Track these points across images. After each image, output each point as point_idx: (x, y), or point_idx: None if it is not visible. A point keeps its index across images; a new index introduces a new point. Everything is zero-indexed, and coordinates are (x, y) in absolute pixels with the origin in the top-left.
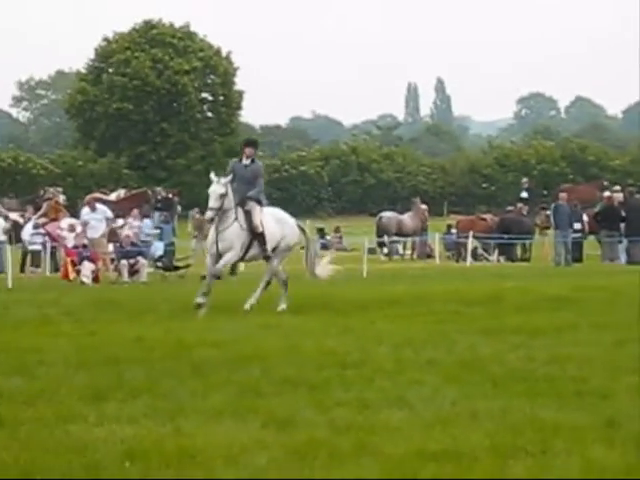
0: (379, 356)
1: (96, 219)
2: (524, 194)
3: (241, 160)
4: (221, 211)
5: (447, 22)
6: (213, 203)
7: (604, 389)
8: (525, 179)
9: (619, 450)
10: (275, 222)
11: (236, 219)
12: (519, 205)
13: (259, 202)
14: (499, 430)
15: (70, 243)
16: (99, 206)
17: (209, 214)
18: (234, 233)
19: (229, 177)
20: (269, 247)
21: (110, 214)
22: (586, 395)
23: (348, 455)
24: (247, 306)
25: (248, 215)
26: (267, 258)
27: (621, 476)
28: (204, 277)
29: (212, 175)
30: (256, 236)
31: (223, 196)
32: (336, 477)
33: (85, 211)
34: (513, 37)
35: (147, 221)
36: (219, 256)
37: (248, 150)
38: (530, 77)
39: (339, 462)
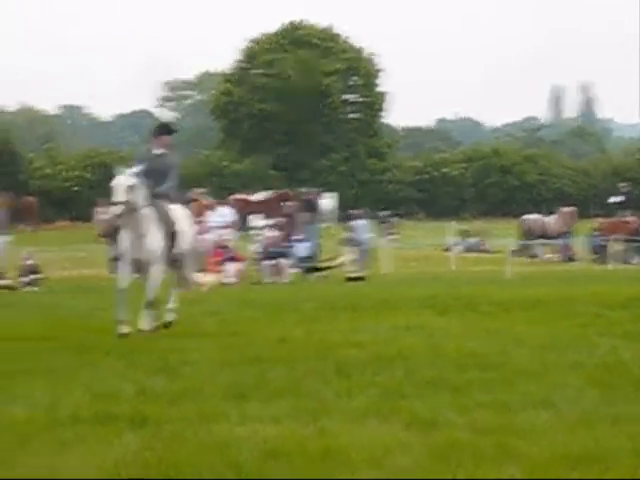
0: (520, 358)
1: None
2: (618, 198)
3: (151, 150)
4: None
5: (590, 25)
6: (121, 196)
7: None
8: (624, 183)
9: None
10: (188, 221)
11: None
12: None
13: (169, 198)
14: None
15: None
16: (220, 209)
17: (116, 209)
18: (159, 239)
19: (137, 168)
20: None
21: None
22: None
23: (490, 457)
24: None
25: (161, 212)
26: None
27: None
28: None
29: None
30: (171, 236)
31: (132, 188)
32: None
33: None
34: None
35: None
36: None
37: (163, 138)
38: None
39: (481, 464)
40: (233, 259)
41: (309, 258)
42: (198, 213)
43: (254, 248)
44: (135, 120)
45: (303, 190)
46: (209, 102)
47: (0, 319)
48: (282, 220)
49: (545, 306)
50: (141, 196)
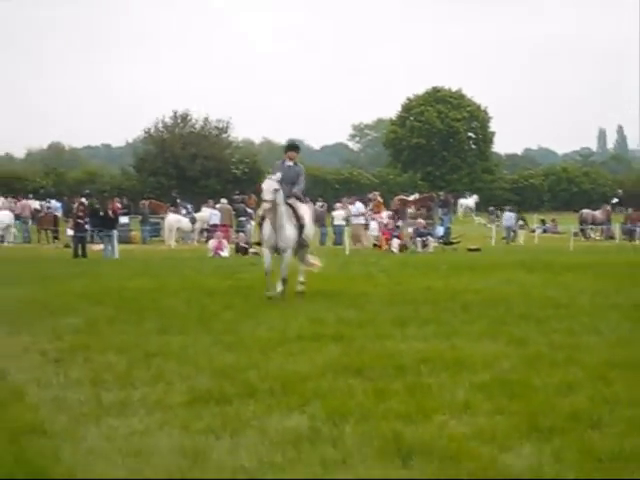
0: (580, 301)
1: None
2: (614, 200)
3: (284, 161)
4: (276, 205)
5: (624, 81)
6: (269, 195)
7: None
8: (619, 190)
9: None
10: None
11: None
12: None
13: (300, 199)
14: None
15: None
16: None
17: (265, 205)
18: (292, 230)
19: (275, 176)
20: (307, 239)
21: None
22: None
23: (562, 364)
24: (279, 289)
25: (293, 209)
26: (301, 247)
27: None
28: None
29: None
30: (299, 227)
31: (277, 190)
32: (552, 379)
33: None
34: None
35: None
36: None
37: (290, 154)
38: None
39: (555, 368)
40: (397, 237)
41: (445, 236)
42: (377, 208)
43: (410, 230)
44: (336, 149)
45: (441, 193)
46: (382, 138)
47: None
48: (425, 212)
49: (595, 268)
50: (281, 196)
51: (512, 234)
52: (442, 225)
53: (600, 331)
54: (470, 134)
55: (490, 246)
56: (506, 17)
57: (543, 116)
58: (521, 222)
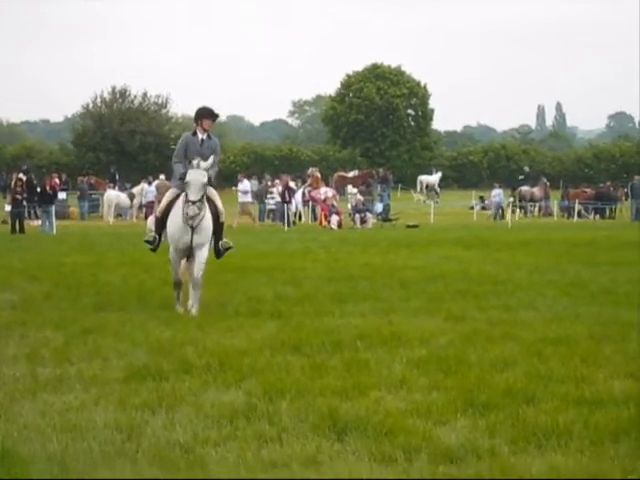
0: (518, 277)
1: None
2: (520, 177)
3: (195, 134)
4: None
5: (562, 61)
6: (196, 195)
7: None
8: (526, 167)
9: None
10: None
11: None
12: (607, 183)
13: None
14: (594, 325)
15: (322, 202)
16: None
17: (193, 210)
18: (209, 223)
19: (210, 161)
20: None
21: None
22: None
23: (499, 340)
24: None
25: (210, 202)
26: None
27: None
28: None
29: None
30: (218, 225)
31: (205, 186)
32: (489, 355)
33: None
34: (604, 74)
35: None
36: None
37: (205, 122)
38: (617, 99)
39: (493, 344)
40: (337, 213)
41: (383, 213)
42: (316, 184)
43: (349, 206)
44: (275, 125)
45: (380, 170)
46: (321, 114)
47: None
48: (364, 188)
49: (533, 244)
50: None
51: (500, 211)
52: (381, 202)
53: (537, 307)
54: (409, 111)
55: (429, 223)
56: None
57: (482, 93)
58: (511, 199)
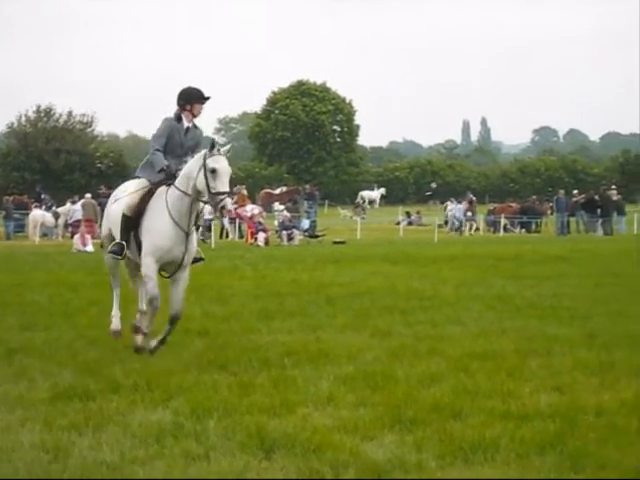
0: (444, 292)
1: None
2: (428, 192)
3: (180, 119)
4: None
5: (487, 75)
6: (227, 186)
7: (587, 314)
8: (433, 184)
9: (596, 352)
10: None
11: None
12: (533, 197)
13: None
14: (520, 339)
15: (250, 220)
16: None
17: (227, 203)
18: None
19: (227, 147)
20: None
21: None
22: (575, 318)
23: (425, 355)
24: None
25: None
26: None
27: (597, 367)
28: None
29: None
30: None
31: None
32: (415, 370)
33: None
34: (529, 89)
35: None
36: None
37: (196, 107)
38: (541, 114)
39: (419, 359)
40: (263, 230)
41: (310, 229)
42: (242, 201)
43: (276, 223)
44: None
45: (306, 186)
46: (247, 131)
47: None
48: (291, 205)
49: (460, 259)
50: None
51: (460, 225)
52: (308, 218)
53: (463, 322)
54: (335, 127)
55: (356, 239)
56: (371, 12)
57: (408, 109)
58: (469, 213)
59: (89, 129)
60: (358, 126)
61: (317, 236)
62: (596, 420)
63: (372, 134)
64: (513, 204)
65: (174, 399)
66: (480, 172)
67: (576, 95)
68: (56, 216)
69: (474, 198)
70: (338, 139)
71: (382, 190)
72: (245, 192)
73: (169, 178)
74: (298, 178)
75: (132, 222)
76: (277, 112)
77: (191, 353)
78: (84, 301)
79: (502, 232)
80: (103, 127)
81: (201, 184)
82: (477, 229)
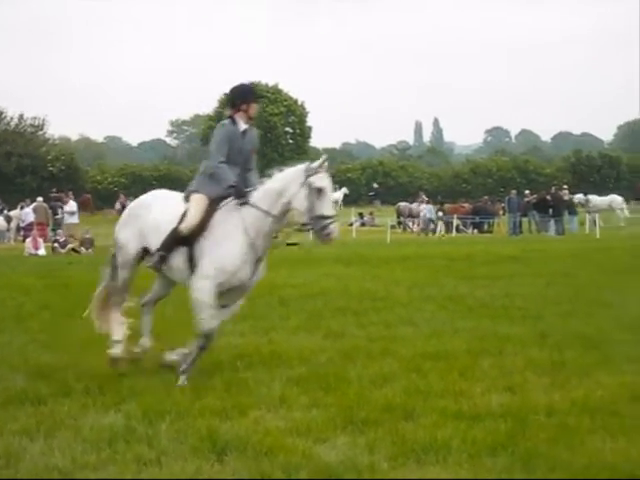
0: (396, 293)
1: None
2: (371, 193)
3: (235, 122)
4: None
5: (439, 77)
6: (334, 209)
7: (538, 314)
8: (375, 184)
9: (547, 352)
10: None
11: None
12: (485, 197)
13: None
14: (472, 339)
15: None
16: None
17: (336, 230)
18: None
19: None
20: None
21: None
22: (527, 317)
23: (378, 356)
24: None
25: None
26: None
27: (548, 367)
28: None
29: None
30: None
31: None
32: (368, 371)
33: None
34: (481, 89)
35: None
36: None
37: (254, 107)
38: (493, 115)
39: (372, 360)
40: None
41: None
42: None
43: None
44: (154, 145)
45: None
46: (199, 133)
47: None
48: None
49: (411, 260)
50: None
51: (432, 226)
52: None
53: (415, 323)
54: (287, 129)
55: (309, 240)
56: (322, 13)
57: (361, 110)
58: (440, 213)
59: (40, 132)
60: (310, 127)
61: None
62: (547, 420)
63: (325, 136)
64: (465, 204)
65: (126, 402)
66: (432, 173)
67: (527, 95)
68: (8, 219)
69: (426, 199)
70: (290, 141)
71: (344, 190)
72: None
73: (240, 196)
74: None
75: (176, 239)
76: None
77: (144, 356)
78: (36, 305)
79: (454, 233)
80: (54, 130)
81: (301, 204)
82: (432, 230)
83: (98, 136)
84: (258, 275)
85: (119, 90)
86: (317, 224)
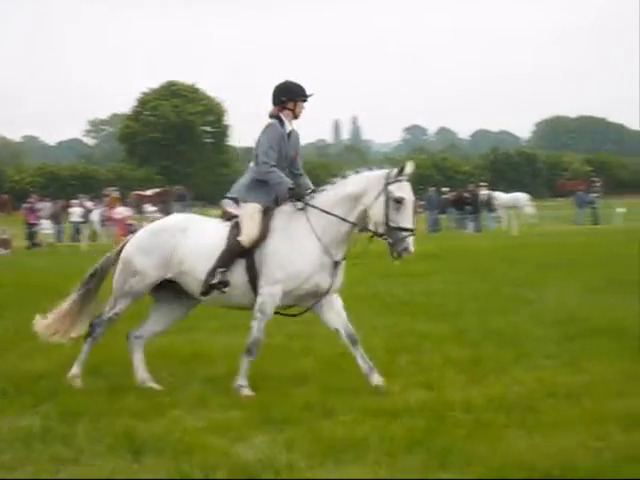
0: None
1: None
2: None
3: (282, 122)
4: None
5: (357, 74)
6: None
7: (457, 310)
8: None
9: (467, 349)
10: None
11: None
12: None
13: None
14: (390, 337)
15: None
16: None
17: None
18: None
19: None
20: None
21: None
22: (445, 314)
23: (297, 354)
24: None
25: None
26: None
27: (466, 364)
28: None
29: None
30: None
31: None
32: (287, 370)
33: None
34: (399, 88)
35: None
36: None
37: (301, 106)
38: (411, 113)
39: (291, 359)
40: (133, 232)
41: None
42: (112, 204)
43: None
44: (71, 145)
45: (177, 187)
46: (117, 133)
47: None
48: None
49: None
50: None
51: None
52: None
53: None
54: (206, 127)
55: None
56: (240, 11)
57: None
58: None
59: None
60: (228, 126)
61: None
62: (464, 416)
63: (244, 134)
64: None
65: (44, 404)
66: (350, 172)
67: (445, 93)
68: None
69: None
70: (209, 139)
71: None
72: (115, 194)
73: (298, 199)
74: (169, 179)
75: (236, 252)
76: (147, 113)
77: (62, 357)
78: None
79: None
80: None
81: (378, 214)
82: None
83: (15, 135)
84: (337, 283)
85: (35, 88)
86: (394, 236)
